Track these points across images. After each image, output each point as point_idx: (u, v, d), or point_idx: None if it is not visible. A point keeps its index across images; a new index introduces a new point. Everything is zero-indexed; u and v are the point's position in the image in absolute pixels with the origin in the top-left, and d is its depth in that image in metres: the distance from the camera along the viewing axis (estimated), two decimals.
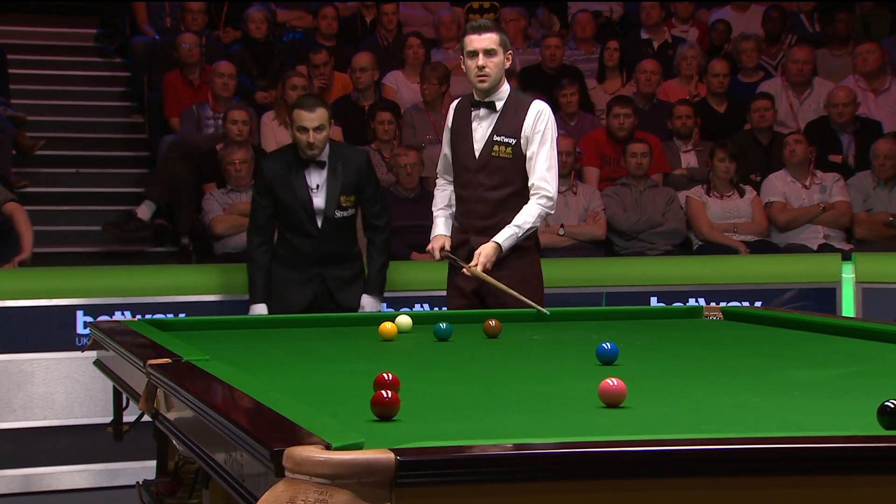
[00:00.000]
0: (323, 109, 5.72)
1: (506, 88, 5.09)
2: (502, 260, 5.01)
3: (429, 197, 7.55)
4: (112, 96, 9.83)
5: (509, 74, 8.74)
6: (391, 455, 1.73)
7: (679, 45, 9.74)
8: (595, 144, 8.34)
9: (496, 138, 5.03)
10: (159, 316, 5.83)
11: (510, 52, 5.07)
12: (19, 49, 9.82)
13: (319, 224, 5.79)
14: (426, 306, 6.46)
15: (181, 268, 7.14)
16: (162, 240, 8.03)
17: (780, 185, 7.95)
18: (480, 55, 4.95)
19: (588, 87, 9.37)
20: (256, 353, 3.68)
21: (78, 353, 5.89)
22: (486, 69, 4.95)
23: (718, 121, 8.88)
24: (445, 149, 5.26)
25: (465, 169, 5.10)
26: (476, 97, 5.09)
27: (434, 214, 5.31)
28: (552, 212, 5.15)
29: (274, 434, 1.98)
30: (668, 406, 2.55)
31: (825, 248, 7.65)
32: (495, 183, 5.05)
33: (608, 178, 8.23)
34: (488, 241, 4.98)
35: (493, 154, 5.02)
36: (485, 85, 4.99)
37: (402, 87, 8.98)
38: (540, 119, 5.02)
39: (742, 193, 7.93)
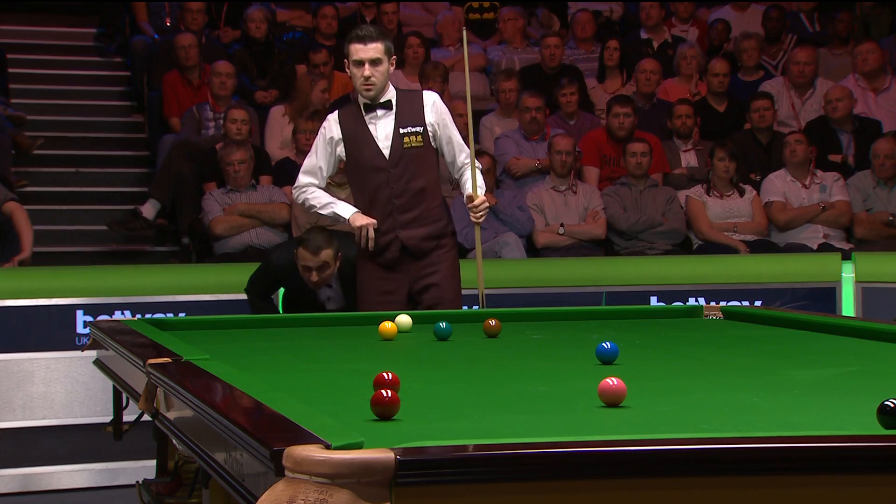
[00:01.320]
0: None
1: (391, 87, 5.21)
2: (429, 252, 5.18)
3: None
4: (112, 96, 9.83)
5: (510, 74, 8.80)
6: (391, 455, 1.73)
7: (679, 44, 9.74)
8: (595, 144, 8.34)
9: (402, 130, 5.12)
10: (159, 316, 5.83)
11: (394, 56, 5.16)
12: (19, 49, 9.83)
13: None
14: None
15: (181, 268, 7.15)
16: (163, 239, 8.03)
17: (779, 185, 7.95)
18: (367, 65, 5.03)
19: (588, 87, 9.37)
20: (256, 352, 3.68)
21: (78, 353, 5.89)
22: (372, 79, 5.05)
23: (718, 120, 8.88)
24: (321, 159, 5.20)
25: (377, 170, 5.14)
26: (365, 102, 5.15)
27: (327, 201, 5.20)
28: None
29: (274, 433, 1.98)
30: (667, 406, 2.55)
31: (825, 248, 7.65)
32: (412, 173, 5.15)
33: (608, 178, 8.23)
34: (418, 231, 5.14)
35: (405, 146, 5.12)
36: (371, 93, 5.10)
37: (402, 86, 8.98)
38: (437, 106, 5.18)
39: (742, 193, 7.93)
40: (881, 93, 9.04)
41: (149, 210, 7.69)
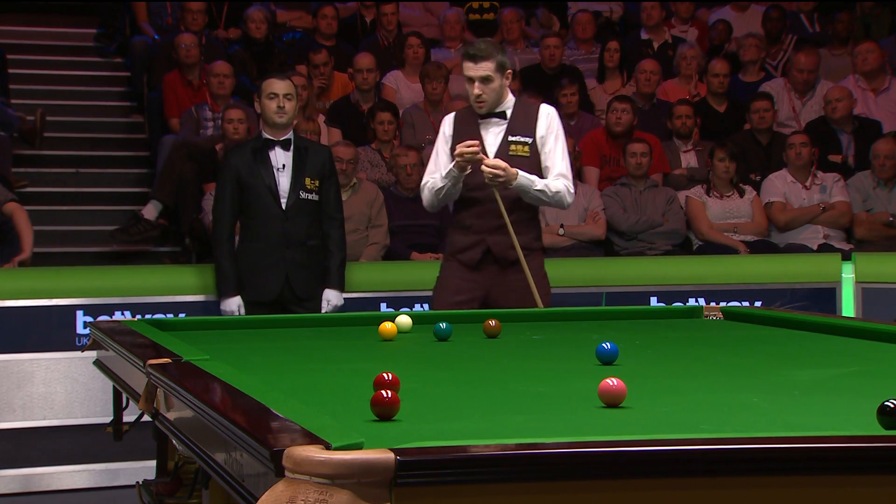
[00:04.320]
0: (290, 82, 5.91)
1: (510, 98, 5.21)
2: (513, 261, 5.12)
3: None
4: (112, 96, 9.83)
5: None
6: (391, 455, 1.73)
7: (679, 45, 9.74)
8: (595, 144, 8.34)
9: (511, 138, 5.14)
10: (159, 316, 5.83)
11: (509, 70, 5.16)
12: (19, 49, 9.83)
13: (284, 205, 5.84)
14: (426, 306, 6.46)
15: (181, 268, 7.14)
16: (164, 240, 8.03)
17: (780, 185, 7.95)
18: (477, 83, 5.07)
19: (588, 88, 9.37)
20: (256, 353, 3.67)
21: (78, 353, 5.90)
22: (483, 96, 5.10)
23: (718, 121, 8.88)
24: (442, 157, 5.26)
25: (479, 171, 5.13)
26: None
27: (440, 177, 5.22)
28: (570, 200, 5.22)
29: (274, 434, 1.98)
30: (667, 406, 2.55)
31: (825, 248, 7.65)
32: None
33: (608, 178, 8.23)
34: (507, 238, 5.08)
35: (510, 153, 5.12)
36: (482, 110, 5.15)
37: (402, 86, 8.98)
38: (551, 120, 5.19)
39: (742, 193, 7.93)
40: (881, 93, 9.04)
41: (150, 211, 7.68)
